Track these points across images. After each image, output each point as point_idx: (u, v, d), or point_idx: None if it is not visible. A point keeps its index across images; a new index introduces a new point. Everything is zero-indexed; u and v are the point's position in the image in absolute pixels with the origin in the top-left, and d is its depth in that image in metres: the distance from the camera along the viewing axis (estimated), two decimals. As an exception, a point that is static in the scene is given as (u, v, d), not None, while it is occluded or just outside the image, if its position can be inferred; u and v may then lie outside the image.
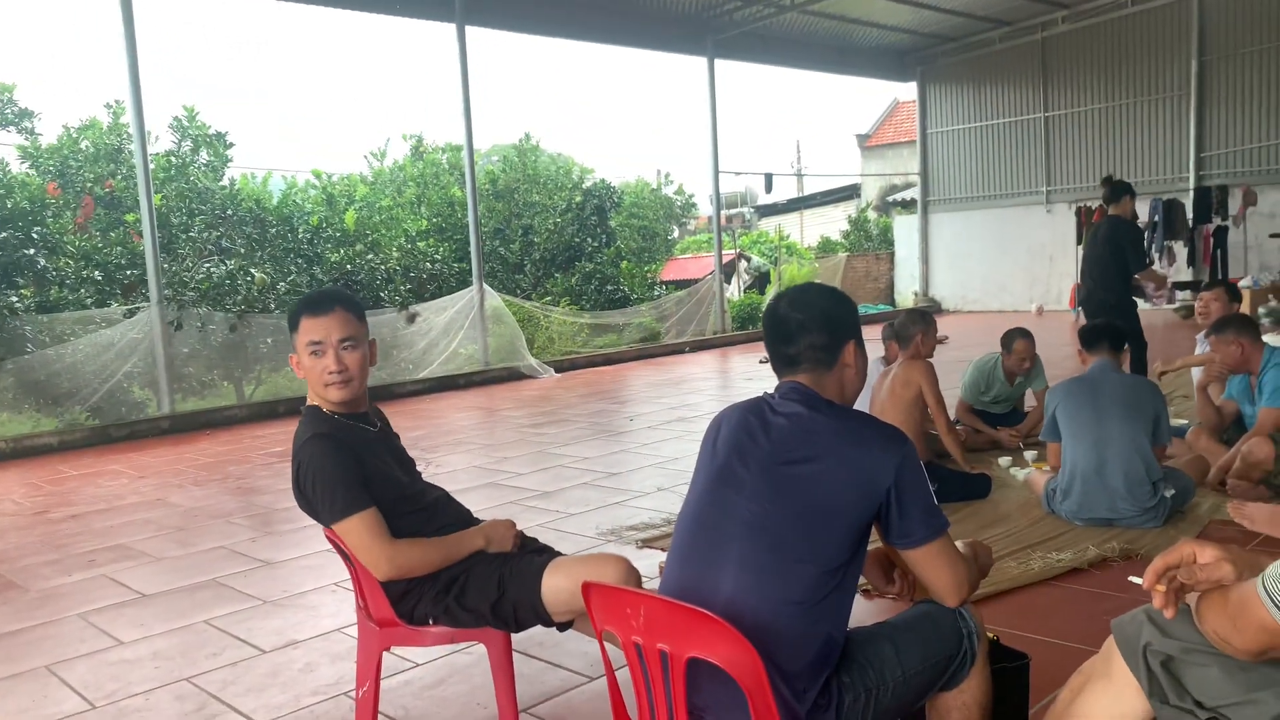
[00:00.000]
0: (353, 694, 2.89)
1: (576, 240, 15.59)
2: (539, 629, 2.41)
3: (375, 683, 2.48)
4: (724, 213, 17.87)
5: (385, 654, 2.54)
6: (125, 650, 3.45)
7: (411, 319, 11.57)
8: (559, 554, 2.50)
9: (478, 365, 11.85)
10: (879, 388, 4.87)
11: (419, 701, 2.88)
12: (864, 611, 3.23)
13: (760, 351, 2.00)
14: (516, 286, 14.77)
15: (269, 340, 10.27)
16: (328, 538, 2.40)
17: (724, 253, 16.60)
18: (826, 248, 22.77)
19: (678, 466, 5.94)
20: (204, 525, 5.25)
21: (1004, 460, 5.30)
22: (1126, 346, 4.73)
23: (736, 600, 1.74)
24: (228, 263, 10.79)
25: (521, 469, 6.24)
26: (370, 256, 12.45)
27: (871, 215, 23.76)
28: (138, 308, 9.41)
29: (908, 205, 20.70)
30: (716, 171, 15.52)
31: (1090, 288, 6.81)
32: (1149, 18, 15.28)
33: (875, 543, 1.91)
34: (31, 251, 9.68)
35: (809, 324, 1.91)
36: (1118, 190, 6.78)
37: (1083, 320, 6.62)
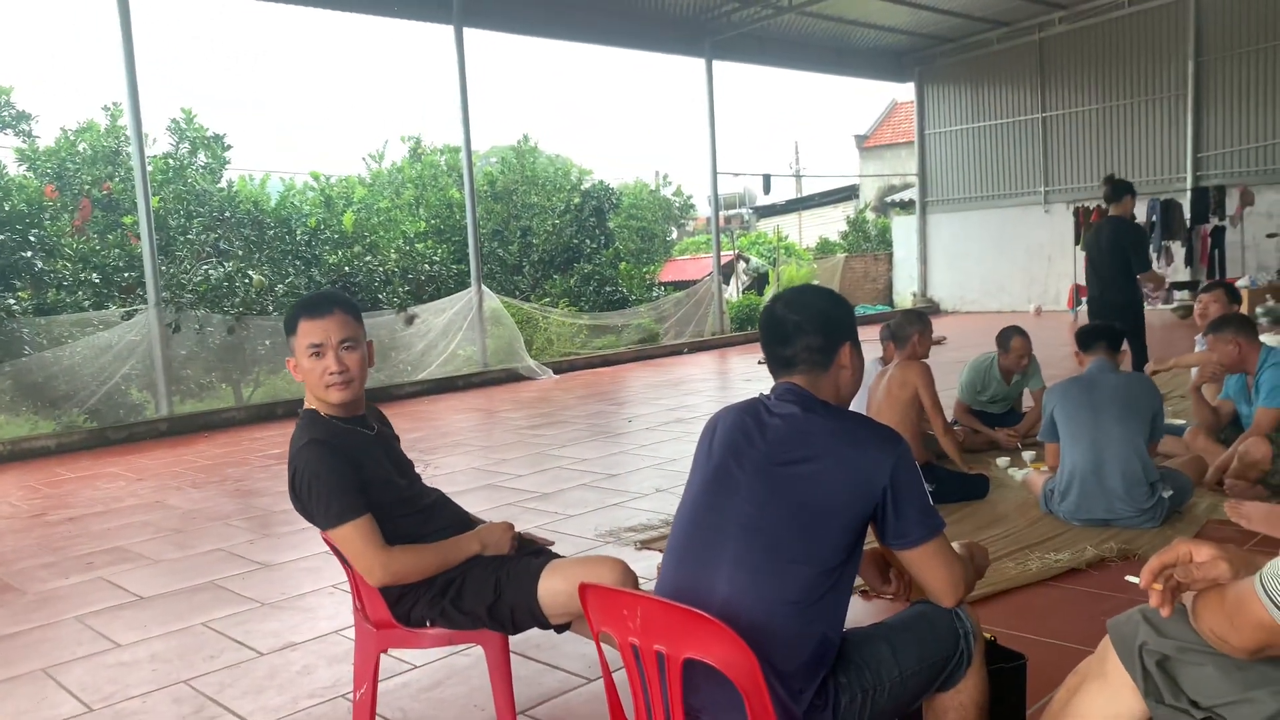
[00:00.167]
0: (350, 696, 2.88)
1: (575, 241, 15.59)
2: (536, 631, 2.41)
3: (373, 685, 2.48)
4: (722, 214, 17.90)
5: (383, 656, 2.54)
6: (123, 653, 3.45)
7: (410, 321, 11.57)
8: (556, 556, 2.50)
9: (476, 367, 11.85)
10: (875, 388, 4.86)
11: (416, 704, 2.87)
12: (861, 612, 3.23)
13: (758, 352, 1.99)
14: (515, 288, 14.77)
15: (267, 342, 10.26)
16: (325, 540, 2.40)
17: (722, 254, 16.62)
18: (825, 248, 22.78)
19: (676, 467, 5.94)
20: (202, 527, 5.25)
21: (1002, 461, 5.30)
22: (1124, 347, 4.74)
23: (732, 601, 1.74)
24: (226, 265, 10.78)
25: (520, 470, 6.24)
26: (368, 258, 12.45)
27: (870, 216, 23.78)
28: (135, 310, 9.40)
29: (906, 206, 20.72)
30: (715, 173, 15.53)
31: (1099, 290, 6.83)
32: (1146, 18, 15.30)
33: (871, 543, 1.91)
34: (29, 254, 9.67)
35: (805, 326, 1.91)
36: (1119, 190, 6.79)
37: (1082, 321, 6.63)
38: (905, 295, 19.35)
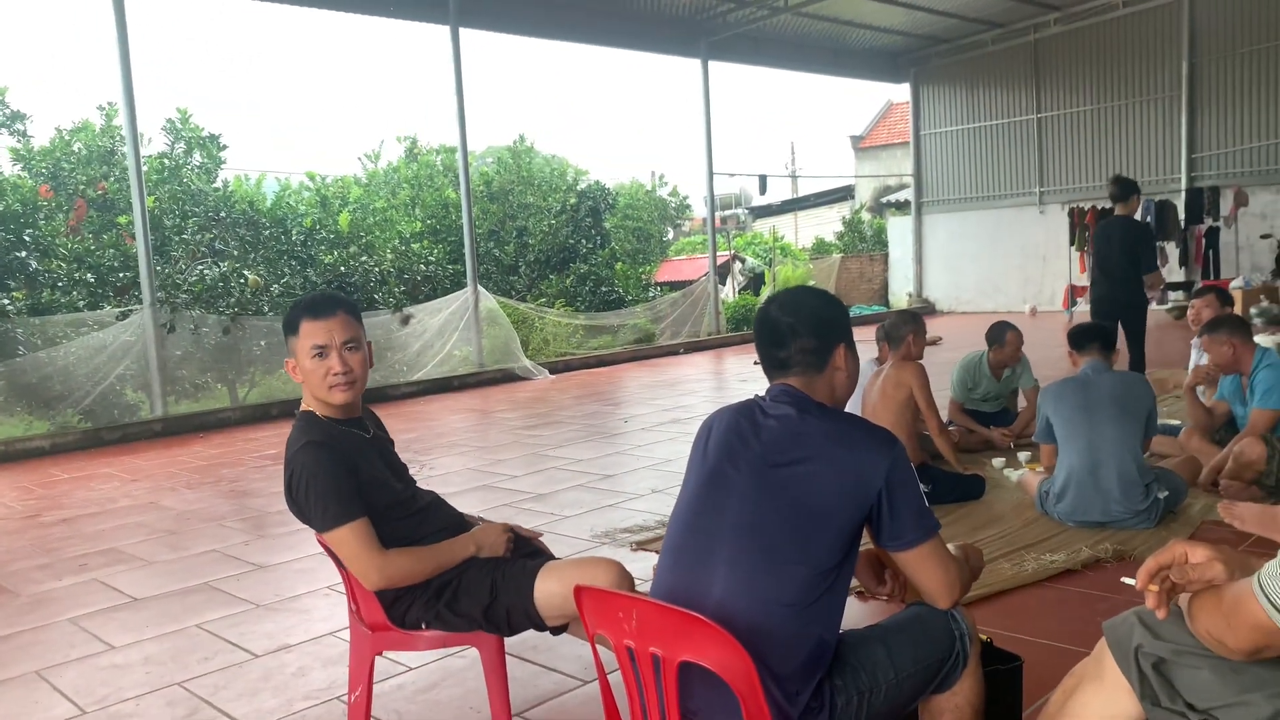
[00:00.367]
0: (345, 698, 2.88)
1: (571, 242, 15.58)
2: (532, 633, 2.41)
3: (368, 687, 2.47)
4: (718, 214, 17.91)
5: (378, 658, 2.54)
6: (116, 655, 3.43)
7: (406, 321, 11.55)
8: (552, 557, 2.50)
9: (472, 367, 11.84)
10: (870, 389, 4.86)
11: (412, 706, 2.87)
12: (856, 614, 3.23)
13: (754, 353, 2.00)
14: (511, 288, 14.76)
15: (262, 343, 10.25)
16: (319, 542, 2.39)
17: (718, 254, 16.62)
18: (821, 249, 22.81)
19: (672, 468, 5.94)
20: (196, 529, 5.23)
21: (997, 461, 5.30)
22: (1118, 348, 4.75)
23: (727, 603, 1.74)
24: (221, 265, 10.76)
25: (515, 471, 6.23)
26: (364, 258, 12.43)
27: (865, 216, 23.80)
28: (130, 310, 9.37)
29: (901, 206, 20.74)
30: (711, 173, 15.53)
31: (1107, 289, 6.85)
32: (1140, 20, 15.33)
33: (866, 544, 1.91)
34: (23, 254, 9.64)
35: (799, 327, 1.91)
36: (1127, 189, 6.83)
37: (1079, 321, 6.65)
38: (901, 296, 19.37)
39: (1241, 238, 14.23)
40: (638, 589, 2.27)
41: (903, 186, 21.98)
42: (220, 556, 4.64)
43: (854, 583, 1.93)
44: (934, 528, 1.84)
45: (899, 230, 19.67)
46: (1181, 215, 14.16)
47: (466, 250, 12.26)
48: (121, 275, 10.16)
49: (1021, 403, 6.13)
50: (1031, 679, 2.35)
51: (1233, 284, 12.63)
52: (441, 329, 11.76)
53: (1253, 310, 11.47)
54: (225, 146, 12.59)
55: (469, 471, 6.33)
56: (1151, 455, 4.78)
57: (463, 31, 11.95)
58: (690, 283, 16.49)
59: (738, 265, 21.03)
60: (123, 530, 5.31)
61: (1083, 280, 14.97)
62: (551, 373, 12.13)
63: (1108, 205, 13.86)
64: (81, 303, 9.76)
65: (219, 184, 12.67)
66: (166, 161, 12.05)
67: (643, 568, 3.67)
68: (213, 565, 4.50)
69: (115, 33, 9.04)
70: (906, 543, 1.82)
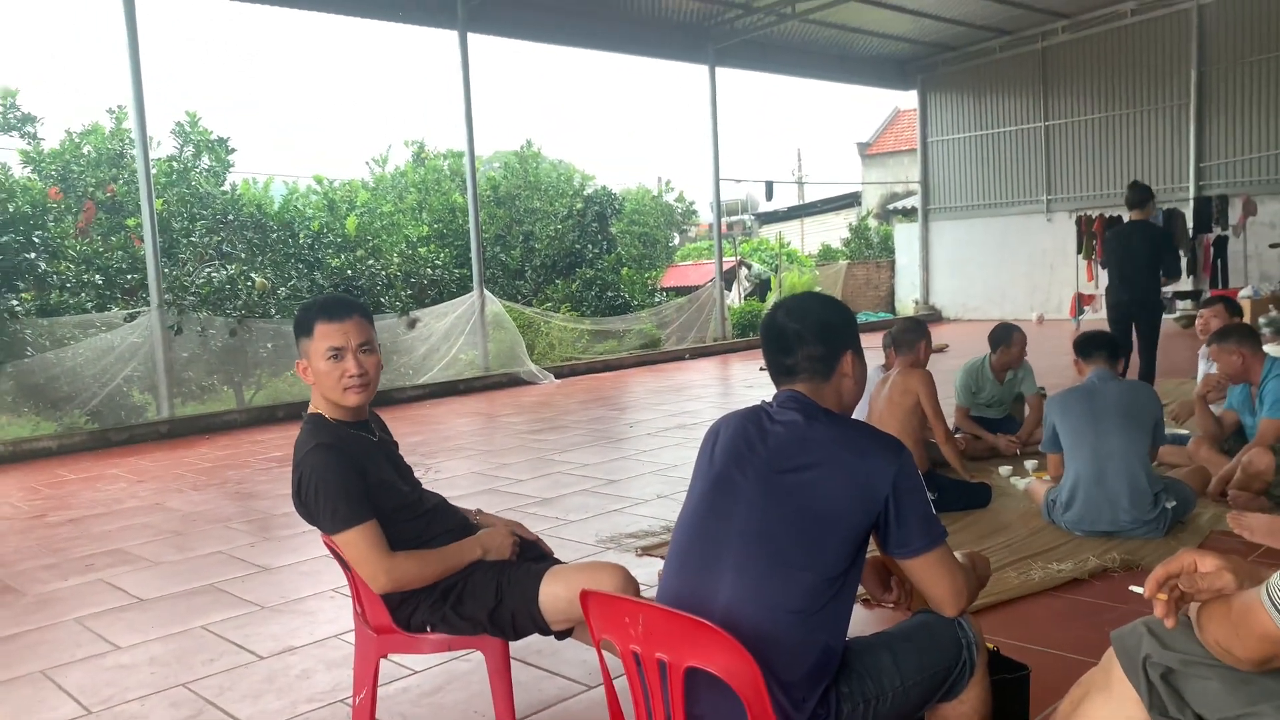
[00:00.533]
0: (349, 701, 2.88)
1: (577, 247, 15.60)
2: (537, 637, 2.41)
3: (372, 690, 2.47)
4: (725, 220, 17.92)
5: (382, 661, 2.53)
6: (122, 655, 3.44)
7: (412, 324, 11.57)
8: (557, 561, 2.50)
9: (478, 371, 11.85)
10: (877, 395, 4.86)
11: (416, 709, 2.87)
12: (862, 621, 3.22)
13: (760, 359, 2.00)
14: (517, 292, 14.77)
15: (269, 345, 10.27)
16: (325, 543, 2.39)
17: (724, 260, 16.62)
18: (827, 255, 22.79)
19: (677, 474, 5.93)
20: (202, 530, 5.24)
21: (1004, 469, 5.28)
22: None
23: (734, 609, 1.73)
24: (228, 267, 10.79)
25: (521, 475, 6.23)
26: (371, 262, 12.46)
27: (872, 223, 23.78)
28: (138, 312, 9.41)
29: (908, 213, 20.71)
30: (717, 179, 15.54)
31: (1127, 293, 6.93)
32: (1149, 28, 15.31)
33: (872, 551, 1.90)
34: (33, 255, 9.68)
35: (806, 334, 1.91)
36: (1144, 195, 6.93)
37: (1083, 328, 6.68)
38: (907, 302, 19.34)
39: (1250, 247, 14.18)
40: (643, 594, 2.27)
41: (909, 193, 21.96)
42: (226, 558, 4.65)
43: (860, 590, 1.92)
44: (941, 535, 1.84)
45: (905, 237, 19.65)
46: (1190, 224, 14.12)
47: (473, 254, 12.28)
48: (129, 277, 10.20)
49: (1026, 411, 6.11)
50: (1038, 688, 2.34)
51: (1241, 293, 12.58)
52: (448, 333, 11.78)
53: (1261, 320, 11.42)
54: (234, 150, 12.63)
55: (474, 475, 6.33)
56: (1160, 465, 4.76)
57: (471, 37, 11.98)
58: (696, 288, 16.49)
59: (744, 271, 21.03)
60: (129, 531, 5.32)
61: (1090, 288, 14.95)
62: (557, 377, 12.14)
63: (1116, 214, 13.90)
64: (90, 304, 9.79)
65: (227, 187, 12.71)
66: (175, 164, 12.10)
67: (648, 573, 3.67)
68: (218, 567, 4.50)
69: (126, 37, 9.08)
70: (913, 550, 1.81)
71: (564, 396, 10.46)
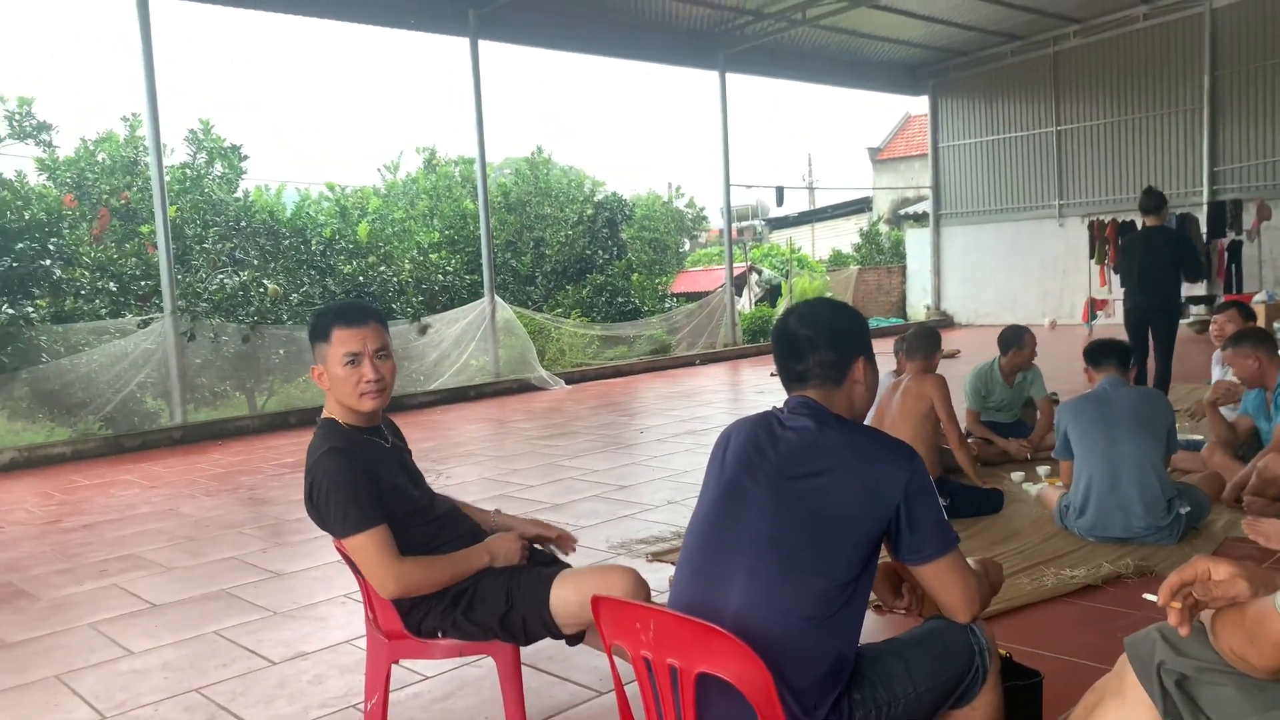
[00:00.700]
0: (361, 706, 2.88)
1: (588, 253, 15.62)
2: (548, 642, 2.41)
3: (384, 695, 2.48)
4: (735, 225, 17.89)
5: (394, 667, 2.54)
6: (135, 660, 3.46)
7: (423, 330, 11.61)
8: (567, 565, 2.50)
9: (489, 377, 11.87)
10: (888, 401, 4.85)
11: (427, 715, 2.87)
12: (874, 628, 3.21)
13: (771, 364, 2.00)
14: (528, 298, 14.80)
15: (281, 351, 10.32)
16: (337, 549, 2.40)
17: (735, 265, 16.61)
18: (838, 261, 22.76)
19: (688, 479, 5.93)
20: (215, 536, 5.27)
21: (1017, 475, 5.26)
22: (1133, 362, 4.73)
23: (745, 615, 1.73)
24: (241, 274, 10.85)
25: (531, 481, 6.24)
26: (383, 268, 12.50)
27: (883, 228, 23.75)
28: (151, 318, 9.47)
29: (919, 218, 20.67)
30: (728, 184, 15.55)
31: (1146, 298, 7.02)
32: (1161, 32, 15.26)
33: (883, 557, 1.90)
34: (48, 262, 9.75)
35: (818, 340, 1.91)
36: (1159, 201, 7.05)
37: (1095, 333, 6.68)
38: (919, 308, 19.30)
39: (1264, 252, 14.10)
40: (654, 599, 2.27)
41: (920, 199, 21.92)
42: (238, 563, 4.67)
43: (871, 597, 1.92)
44: (953, 541, 1.83)
45: (917, 242, 19.61)
46: (1204, 229, 14.05)
47: (484, 260, 12.31)
48: (143, 284, 10.27)
49: (1036, 415, 6.08)
50: (1051, 695, 2.33)
51: (1255, 298, 12.51)
52: (458, 339, 11.81)
53: (1276, 325, 11.36)
54: (246, 157, 12.71)
55: (485, 481, 6.34)
56: (1174, 470, 4.73)
57: (481, 44, 12.03)
58: (706, 294, 16.48)
59: (754, 277, 21.00)
60: (142, 536, 5.35)
61: (1103, 293, 14.88)
62: (567, 383, 12.15)
63: (1128, 219, 13.85)
64: (104, 310, 9.86)
65: (240, 194, 12.78)
66: (188, 171, 12.17)
67: (659, 579, 3.66)
68: (231, 572, 4.52)
69: (140, 45, 9.16)
70: (925, 556, 1.81)
71: (574, 402, 10.47)
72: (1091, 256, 14.97)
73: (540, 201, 16.15)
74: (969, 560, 1.94)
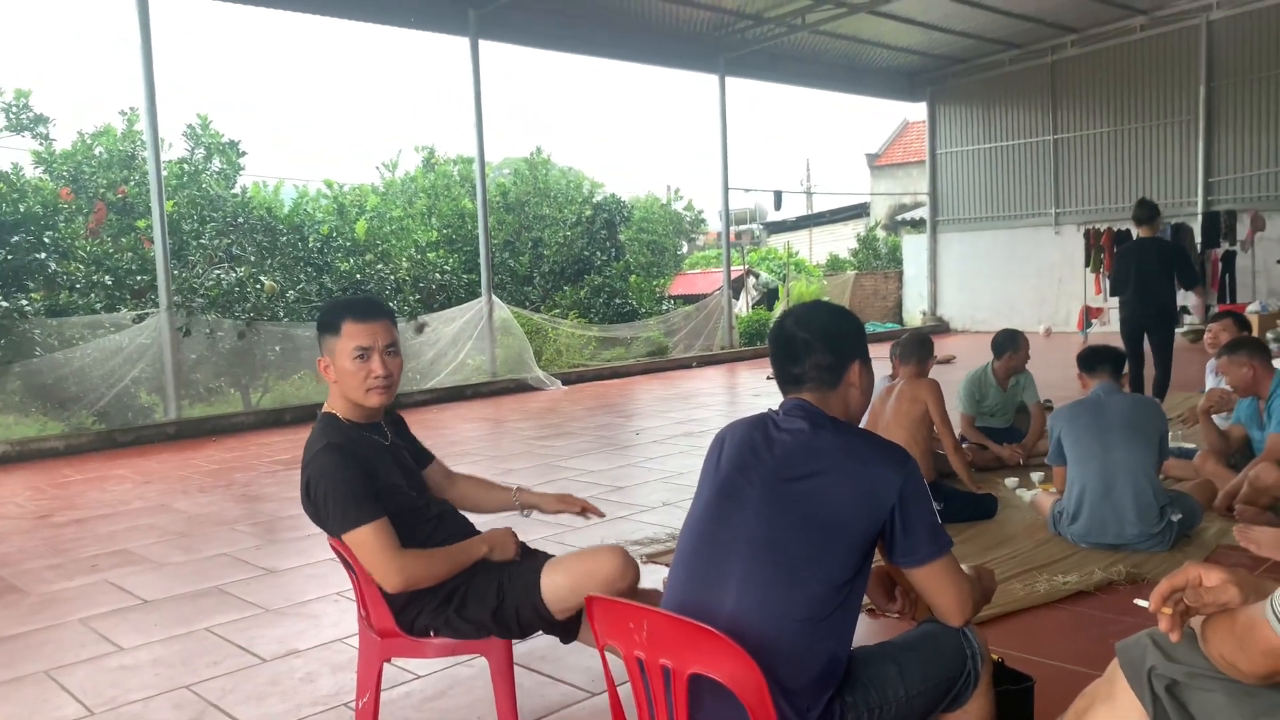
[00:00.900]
0: (353, 704, 2.88)
1: (586, 254, 15.63)
2: (541, 643, 2.41)
3: (375, 694, 2.47)
4: (733, 229, 17.91)
5: (386, 665, 2.54)
6: (125, 656, 3.45)
7: (420, 329, 11.60)
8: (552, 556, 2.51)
9: (485, 376, 11.87)
10: (881, 405, 4.85)
11: (419, 714, 2.87)
12: (866, 631, 3.21)
13: (767, 368, 2.00)
14: (525, 298, 14.80)
15: (277, 348, 10.30)
16: (332, 546, 2.40)
17: (732, 269, 16.63)
18: (835, 265, 22.80)
19: (684, 481, 5.93)
20: (207, 532, 5.25)
21: (1010, 481, 5.27)
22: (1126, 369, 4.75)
23: (739, 616, 1.73)
24: (237, 270, 10.84)
25: (527, 481, 6.22)
26: (380, 266, 12.49)
27: (880, 234, 23.78)
28: (147, 313, 9.45)
29: (916, 224, 20.72)
30: (726, 188, 15.56)
31: (1139, 305, 7.10)
32: (1158, 43, 15.31)
33: (876, 560, 1.90)
34: (43, 255, 9.73)
35: (814, 343, 1.91)
36: (1153, 211, 7.15)
37: (1090, 341, 6.73)
38: (915, 313, 19.33)
39: (1258, 262, 14.15)
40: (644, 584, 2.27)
41: (918, 205, 21.96)
42: (231, 560, 4.66)
43: (865, 600, 1.92)
44: (947, 544, 1.84)
45: (914, 248, 19.64)
46: (1198, 239, 14.09)
47: (482, 260, 12.31)
48: (139, 278, 10.24)
49: (1029, 422, 6.10)
50: (1043, 700, 2.34)
51: (1249, 308, 12.55)
52: (455, 338, 11.80)
53: (1269, 335, 11.41)
54: (244, 153, 12.70)
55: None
56: (1166, 478, 4.75)
57: (482, 43, 12.03)
58: (704, 296, 16.50)
59: (752, 280, 21.02)
60: (134, 532, 5.33)
61: (1098, 301, 14.91)
62: (564, 383, 12.15)
63: (1124, 228, 13.88)
64: (99, 305, 9.83)
65: (237, 190, 12.77)
66: (186, 167, 12.16)
67: (653, 580, 3.66)
68: (223, 569, 4.51)
69: (139, 40, 9.15)
70: (919, 559, 1.81)
71: (570, 403, 10.46)
72: (1087, 264, 15.01)
73: (539, 202, 16.15)
74: (963, 567, 1.94)
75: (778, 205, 19.88)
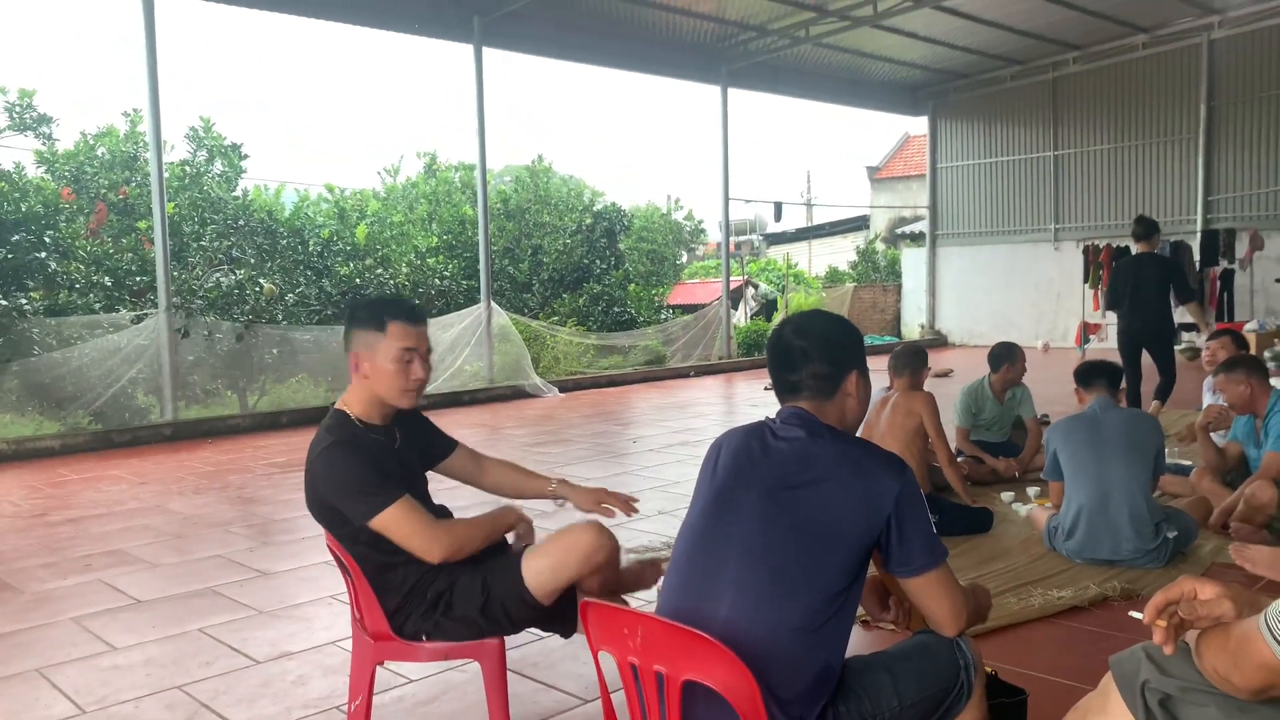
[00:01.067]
0: (344, 708, 2.87)
1: (585, 262, 15.65)
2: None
3: (367, 697, 2.47)
4: (733, 239, 17.94)
5: (379, 669, 2.53)
6: (118, 656, 3.44)
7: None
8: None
9: (483, 382, 11.86)
10: (876, 417, 4.86)
11: (411, 718, 2.86)
12: (861, 641, 3.21)
13: (765, 378, 2.02)
14: (524, 305, 14.81)
15: (274, 351, 10.29)
16: (329, 548, 2.39)
17: (732, 279, 16.65)
18: (834, 278, 22.83)
19: (679, 490, 5.93)
20: (202, 533, 5.24)
21: (1006, 495, 5.27)
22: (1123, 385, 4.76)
23: (734, 623, 1.73)
24: (237, 272, 10.84)
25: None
26: (380, 271, 12.51)
27: (880, 247, 23.83)
28: (145, 314, 9.45)
29: (916, 238, 20.76)
30: (726, 198, 15.59)
31: (1140, 322, 7.16)
32: (1159, 61, 15.38)
33: (870, 571, 1.90)
34: (43, 255, 9.74)
35: (812, 352, 1.91)
36: (1151, 228, 7.21)
37: (1088, 357, 6.74)
38: (913, 327, 19.35)
39: (1257, 281, 14.18)
40: (640, 608, 2.27)
41: (917, 218, 22.02)
42: (225, 562, 4.65)
43: (859, 611, 1.92)
44: (943, 554, 1.84)
45: (913, 262, 19.67)
46: (1197, 257, 14.12)
47: (481, 267, 12.32)
48: (138, 279, 10.25)
49: (1025, 436, 6.09)
50: (1036, 714, 2.34)
51: (1247, 327, 12.56)
52: (454, 343, 11.80)
53: (1267, 354, 11.42)
54: (246, 156, 12.72)
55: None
56: (1162, 495, 4.75)
57: (485, 51, 12.06)
58: (703, 306, 16.51)
59: (750, 291, 21.04)
60: (129, 532, 5.32)
61: (1096, 317, 14.94)
62: (561, 391, 12.14)
63: (1123, 244, 13.91)
64: (98, 305, 9.83)
65: (239, 192, 12.79)
66: (188, 168, 12.18)
67: (651, 594, 3.66)
68: (217, 570, 4.50)
69: (145, 41, 9.16)
70: (915, 569, 1.81)
71: (568, 410, 10.46)
72: (1086, 281, 15.04)
73: (539, 209, 16.18)
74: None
75: (778, 217, 19.91)
